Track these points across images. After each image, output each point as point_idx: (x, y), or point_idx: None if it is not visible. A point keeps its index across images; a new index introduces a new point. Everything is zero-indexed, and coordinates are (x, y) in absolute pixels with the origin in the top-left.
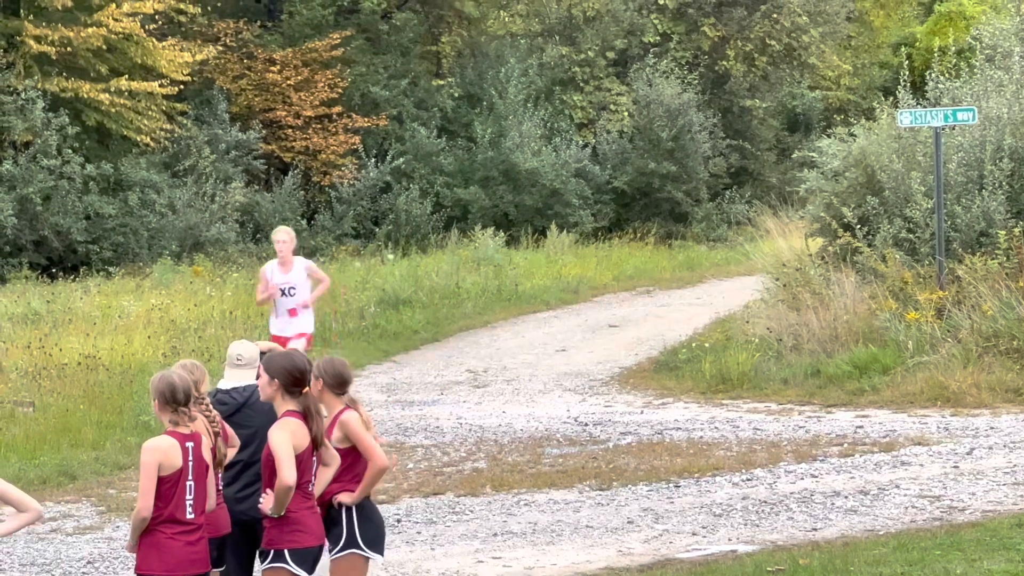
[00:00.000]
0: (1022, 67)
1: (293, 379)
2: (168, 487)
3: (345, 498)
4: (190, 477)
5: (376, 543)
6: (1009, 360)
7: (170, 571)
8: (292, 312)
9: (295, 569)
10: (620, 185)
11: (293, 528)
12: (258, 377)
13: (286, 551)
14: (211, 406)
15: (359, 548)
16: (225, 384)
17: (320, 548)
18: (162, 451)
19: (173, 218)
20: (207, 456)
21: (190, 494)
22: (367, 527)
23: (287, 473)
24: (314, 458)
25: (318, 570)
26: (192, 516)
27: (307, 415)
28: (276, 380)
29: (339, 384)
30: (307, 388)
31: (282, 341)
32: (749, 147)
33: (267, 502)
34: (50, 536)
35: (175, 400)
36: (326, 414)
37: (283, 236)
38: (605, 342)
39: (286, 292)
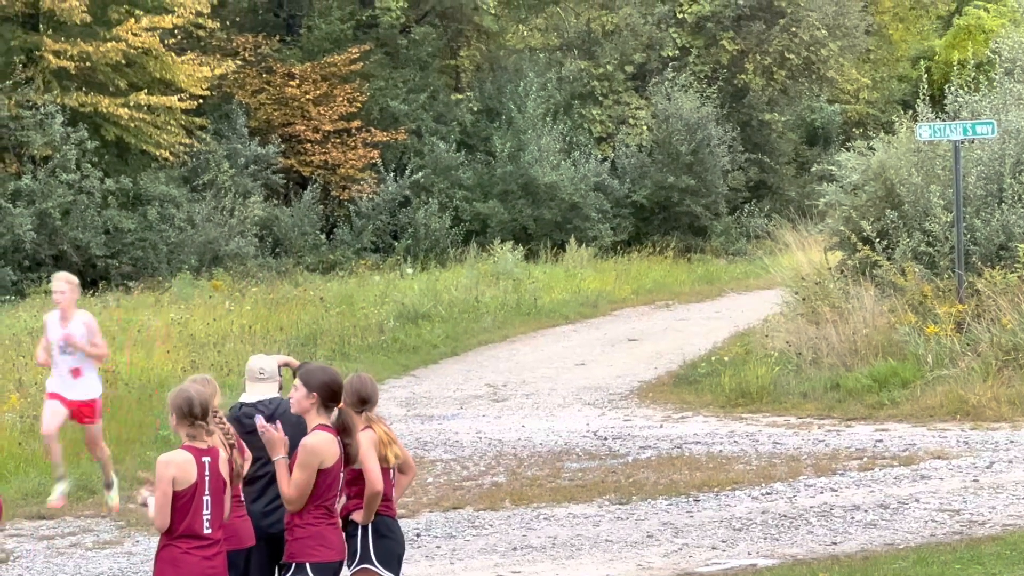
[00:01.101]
0: None
1: (331, 393)
2: (183, 502)
3: (357, 517)
4: (206, 492)
5: (389, 562)
6: None
7: None
8: (75, 372)
9: None
10: (639, 199)
11: (315, 542)
12: (279, 390)
13: (307, 564)
14: (224, 419)
15: (372, 564)
16: (248, 397)
17: (340, 563)
18: (176, 465)
19: (192, 232)
20: (225, 471)
21: (207, 509)
22: (381, 544)
23: (298, 475)
24: (342, 473)
25: None
26: (209, 531)
27: (342, 431)
28: (315, 394)
29: (358, 402)
30: (342, 403)
31: (67, 403)
32: (768, 161)
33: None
34: (70, 551)
35: (192, 414)
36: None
37: (61, 285)
38: (624, 356)
39: (65, 349)
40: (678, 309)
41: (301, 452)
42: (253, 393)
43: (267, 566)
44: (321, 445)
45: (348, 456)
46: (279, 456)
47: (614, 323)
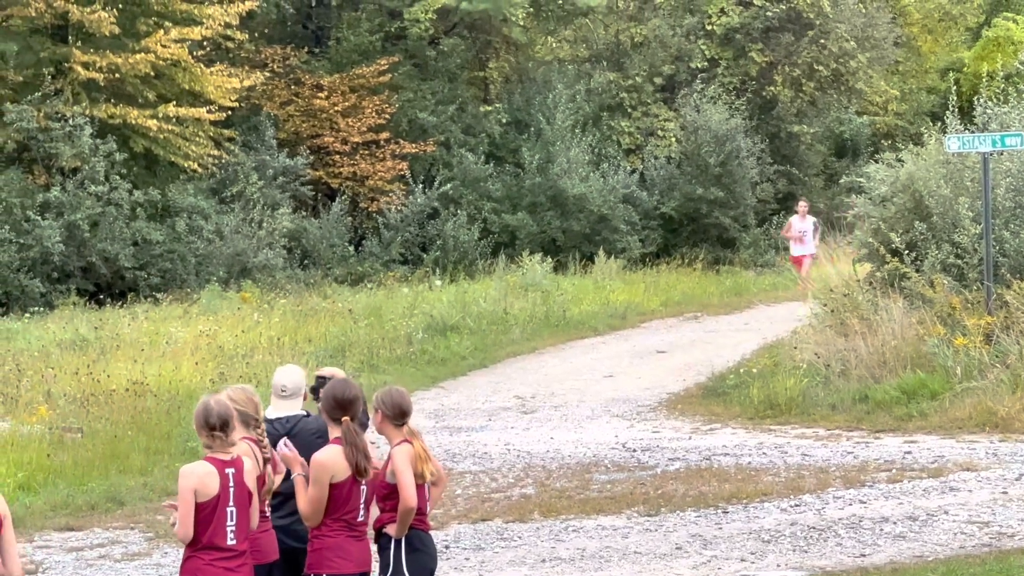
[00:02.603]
0: None
1: (331, 406)
2: (206, 513)
3: (391, 530)
4: (230, 503)
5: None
6: None
7: None
8: None
9: None
10: (668, 211)
11: (333, 553)
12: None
13: None
14: (264, 432)
15: None
16: (271, 414)
17: None
18: (197, 477)
19: (220, 244)
20: (251, 482)
21: (231, 520)
22: (414, 558)
23: (311, 491)
24: (363, 487)
25: None
26: (233, 542)
27: (344, 442)
28: (321, 405)
29: (399, 415)
30: (346, 417)
31: None
32: (797, 173)
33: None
34: (98, 562)
35: (208, 424)
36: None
37: None
38: (653, 368)
39: None
40: (706, 321)
41: (311, 467)
42: (276, 410)
43: None
44: (330, 459)
45: (356, 470)
46: (296, 473)
47: (643, 335)
